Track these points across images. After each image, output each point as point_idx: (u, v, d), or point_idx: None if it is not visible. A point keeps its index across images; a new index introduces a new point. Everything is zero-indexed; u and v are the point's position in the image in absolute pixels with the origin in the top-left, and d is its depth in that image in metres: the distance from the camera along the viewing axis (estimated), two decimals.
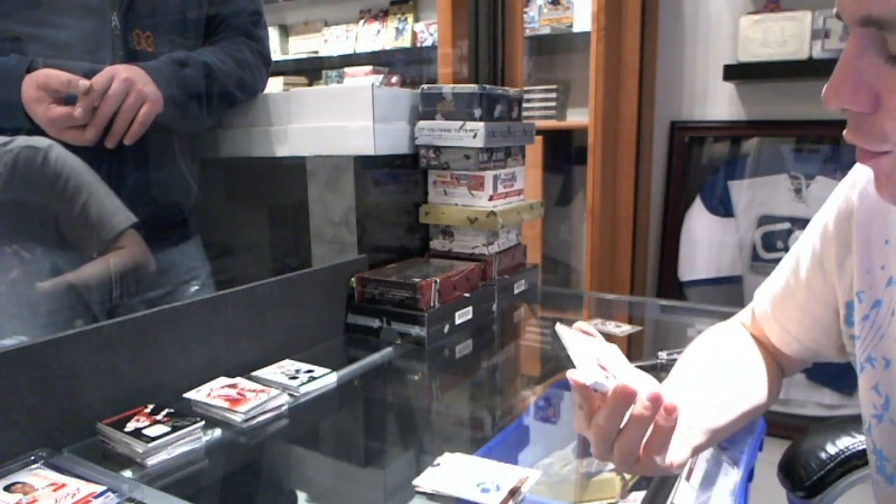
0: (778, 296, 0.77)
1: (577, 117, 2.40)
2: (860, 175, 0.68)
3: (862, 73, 0.47)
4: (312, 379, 0.87)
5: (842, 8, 0.48)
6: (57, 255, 0.96)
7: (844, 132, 0.51)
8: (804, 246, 0.74)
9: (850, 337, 0.70)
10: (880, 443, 0.67)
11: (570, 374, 0.52)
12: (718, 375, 0.70)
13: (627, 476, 0.70)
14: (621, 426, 0.53)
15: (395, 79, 3.15)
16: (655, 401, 0.52)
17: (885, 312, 0.64)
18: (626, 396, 0.51)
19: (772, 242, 2.00)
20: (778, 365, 0.78)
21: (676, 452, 0.56)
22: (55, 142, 0.93)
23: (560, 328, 0.58)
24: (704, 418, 0.62)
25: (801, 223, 1.92)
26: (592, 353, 0.56)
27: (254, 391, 0.81)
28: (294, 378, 0.87)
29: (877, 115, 0.48)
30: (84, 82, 0.90)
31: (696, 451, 0.61)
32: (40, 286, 0.94)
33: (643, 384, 0.53)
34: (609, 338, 0.63)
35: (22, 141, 0.92)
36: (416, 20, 3.09)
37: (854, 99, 0.48)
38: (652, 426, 0.53)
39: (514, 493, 0.60)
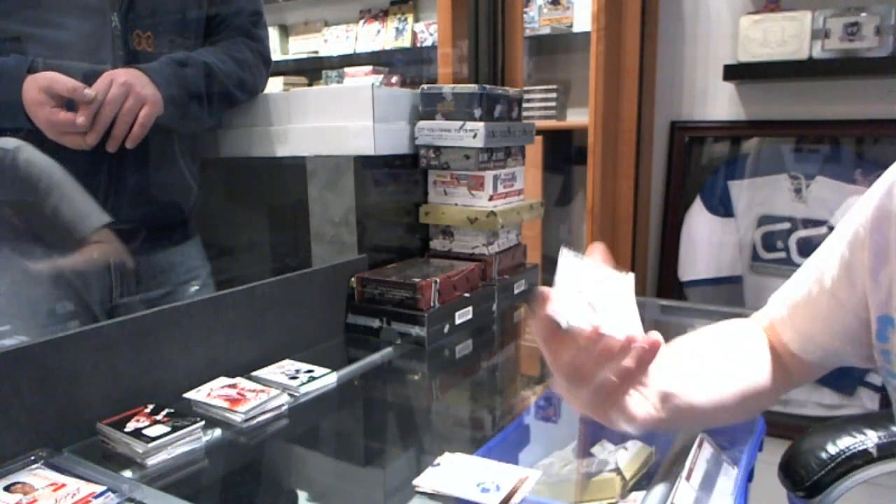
0: (799, 304, 0.73)
1: (577, 117, 2.40)
2: (895, 182, 0.64)
3: None
4: (312, 379, 0.87)
5: None
6: (29, 255, 0.96)
7: None
8: (830, 254, 0.70)
9: (882, 352, 0.66)
10: None
11: (549, 310, 0.53)
12: (713, 358, 0.69)
13: (627, 476, 0.70)
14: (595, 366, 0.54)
15: (395, 79, 3.15)
16: (632, 342, 0.53)
17: None
18: (597, 338, 0.52)
19: (772, 242, 2.00)
20: (784, 368, 0.75)
21: (638, 407, 0.58)
22: (25, 143, 0.93)
23: (564, 253, 0.55)
24: (684, 392, 0.62)
25: (801, 223, 1.92)
26: (586, 289, 0.54)
27: (254, 391, 0.81)
28: (294, 378, 0.87)
29: None
30: (89, 92, 0.91)
31: (662, 423, 0.61)
32: (5, 282, 0.93)
33: (627, 329, 0.54)
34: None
35: None
36: (416, 20, 3.09)
37: None
38: (634, 355, 0.54)
39: (514, 493, 0.60)
